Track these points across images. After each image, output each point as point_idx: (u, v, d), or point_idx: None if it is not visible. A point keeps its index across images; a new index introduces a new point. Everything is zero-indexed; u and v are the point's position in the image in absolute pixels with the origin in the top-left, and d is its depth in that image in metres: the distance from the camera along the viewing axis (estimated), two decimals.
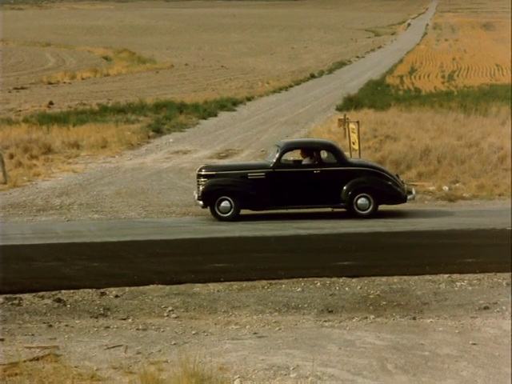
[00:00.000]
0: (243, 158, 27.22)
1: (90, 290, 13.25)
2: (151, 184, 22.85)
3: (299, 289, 13.36)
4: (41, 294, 13.07)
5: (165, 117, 37.57)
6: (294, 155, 20.96)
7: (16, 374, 9.37)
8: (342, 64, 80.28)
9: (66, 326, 11.72)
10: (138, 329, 11.56)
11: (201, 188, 18.51)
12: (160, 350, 10.53)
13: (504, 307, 12.36)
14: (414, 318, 11.94)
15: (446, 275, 13.95)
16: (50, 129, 32.70)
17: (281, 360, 10.01)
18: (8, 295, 12.99)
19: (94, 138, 30.60)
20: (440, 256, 15.16)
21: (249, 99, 47.98)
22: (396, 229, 17.50)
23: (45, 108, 42.39)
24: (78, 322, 11.92)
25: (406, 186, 19.48)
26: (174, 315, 12.20)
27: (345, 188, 18.39)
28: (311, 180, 18.49)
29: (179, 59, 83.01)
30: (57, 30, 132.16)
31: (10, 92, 52.29)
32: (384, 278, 13.84)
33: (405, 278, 13.89)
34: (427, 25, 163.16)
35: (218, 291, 13.28)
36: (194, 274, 14.04)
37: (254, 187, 18.44)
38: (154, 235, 17.11)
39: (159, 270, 14.40)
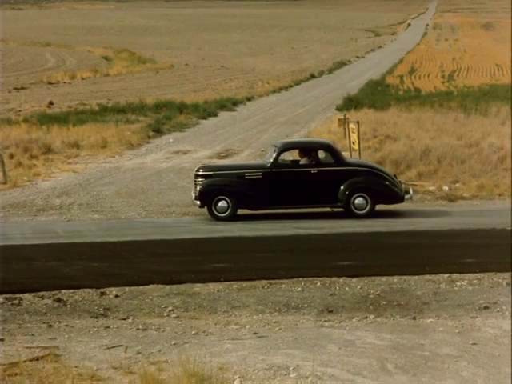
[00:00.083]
0: (243, 157, 27.22)
1: (90, 290, 13.25)
2: (151, 184, 22.85)
3: (299, 289, 13.36)
4: (41, 294, 13.07)
5: (165, 117, 37.58)
6: (294, 155, 20.97)
7: (16, 374, 9.37)
8: (341, 64, 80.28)
9: (66, 325, 11.72)
10: (138, 329, 11.56)
11: (198, 188, 18.54)
12: (160, 350, 10.53)
13: (504, 307, 12.36)
14: (414, 318, 11.94)
15: (446, 275, 13.95)
16: (50, 129, 32.70)
17: (281, 360, 10.01)
18: (8, 295, 12.98)
19: (93, 137, 30.60)
20: (440, 256, 15.16)
21: (249, 99, 47.99)
22: (396, 229, 17.50)
23: (45, 108, 42.39)
24: (77, 321, 11.92)
25: (403, 185, 19.49)
26: (174, 315, 12.20)
27: (342, 188, 18.41)
28: (308, 180, 18.51)
29: (179, 59, 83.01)
30: (57, 30, 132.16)
31: (9, 92, 52.29)
32: (384, 278, 13.84)
33: (405, 277, 13.89)
34: (427, 25, 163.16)
35: (218, 291, 13.28)
36: (194, 274, 14.04)
37: (251, 187, 18.46)
38: (154, 235, 17.11)
39: (159, 269, 14.40)
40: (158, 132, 33.62)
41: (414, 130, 30.52)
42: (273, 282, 13.67)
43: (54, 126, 33.38)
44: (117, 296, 13.04)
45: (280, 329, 11.48)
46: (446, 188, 21.55)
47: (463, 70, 74.46)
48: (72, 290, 13.24)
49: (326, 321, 11.85)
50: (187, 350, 9.91)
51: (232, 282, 13.64)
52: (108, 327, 11.63)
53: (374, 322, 11.78)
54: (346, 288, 13.39)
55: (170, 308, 12.48)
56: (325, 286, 13.50)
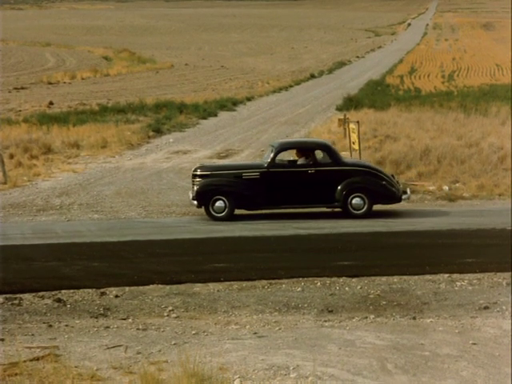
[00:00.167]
0: (243, 157, 27.22)
1: (90, 290, 13.25)
2: (151, 184, 22.85)
3: (299, 289, 13.36)
4: (41, 294, 13.07)
5: (165, 117, 37.59)
6: (293, 156, 20.96)
7: (16, 374, 9.37)
8: (341, 64, 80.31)
9: (66, 325, 11.72)
10: (138, 329, 11.56)
11: (195, 188, 18.57)
12: (160, 350, 10.53)
13: (504, 307, 12.36)
14: (414, 318, 11.94)
15: (446, 275, 13.95)
16: (50, 129, 32.70)
17: (281, 360, 10.01)
18: (8, 295, 12.98)
19: (93, 137, 30.61)
20: (440, 256, 15.16)
21: (249, 99, 48.00)
22: (396, 229, 17.50)
23: (45, 108, 42.40)
24: (78, 321, 11.92)
25: (401, 185, 19.49)
26: (174, 315, 12.20)
27: (339, 188, 18.41)
28: (306, 180, 18.52)
29: (179, 59, 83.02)
30: (57, 30, 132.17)
31: (9, 92, 52.30)
32: (384, 278, 13.84)
33: (405, 277, 13.89)
34: (427, 25, 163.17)
35: (217, 291, 13.28)
36: (194, 274, 14.04)
37: (248, 187, 18.47)
38: (154, 235, 17.11)
39: (159, 269, 14.40)
40: (158, 132, 33.62)
41: (413, 130, 30.52)
42: (273, 281, 13.67)
43: (54, 125, 33.39)
44: (117, 296, 13.04)
45: (280, 329, 11.48)
46: (446, 188, 21.55)
47: (463, 70, 74.47)
48: (72, 290, 13.24)
49: (326, 321, 11.85)
50: (187, 350, 9.91)
51: (232, 282, 13.64)
52: (108, 327, 11.63)
53: (373, 322, 11.78)
54: (346, 288, 13.39)
55: (170, 308, 12.48)
56: (325, 285, 13.50)
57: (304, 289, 13.35)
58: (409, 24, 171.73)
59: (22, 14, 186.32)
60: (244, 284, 13.59)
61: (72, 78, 63.24)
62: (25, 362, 9.71)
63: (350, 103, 41.36)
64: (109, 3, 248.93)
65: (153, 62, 78.26)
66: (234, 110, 43.06)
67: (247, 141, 31.72)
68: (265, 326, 11.63)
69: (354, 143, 23.21)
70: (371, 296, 12.98)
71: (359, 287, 13.42)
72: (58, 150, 28.62)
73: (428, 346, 10.60)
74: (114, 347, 10.63)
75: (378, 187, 18.59)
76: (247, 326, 11.63)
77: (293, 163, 19.06)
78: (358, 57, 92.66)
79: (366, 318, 11.97)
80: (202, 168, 19.21)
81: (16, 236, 17.14)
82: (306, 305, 12.60)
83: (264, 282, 13.67)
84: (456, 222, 17.96)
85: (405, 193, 19.11)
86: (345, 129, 27.34)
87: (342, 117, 29.10)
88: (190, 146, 30.46)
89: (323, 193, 18.43)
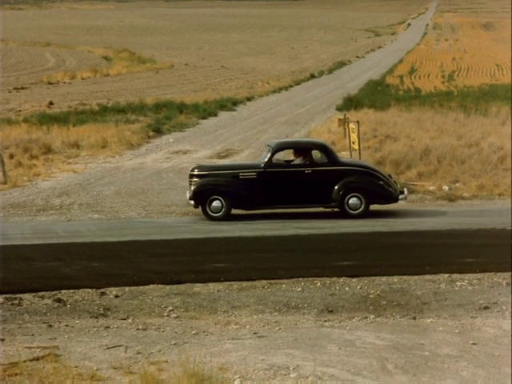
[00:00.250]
0: (243, 157, 27.22)
1: (90, 290, 13.25)
2: (151, 184, 22.85)
3: (299, 289, 13.35)
4: (41, 293, 13.07)
5: (165, 117, 37.58)
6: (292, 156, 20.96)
7: (16, 374, 9.37)
8: (341, 64, 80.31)
9: (66, 326, 11.72)
10: (138, 329, 11.56)
11: (192, 188, 18.58)
12: (160, 350, 10.53)
13: (504, 307, 12.36)
14: (414, 318, 11.93)
15: (446, 275, 13.95)
16: (49, 129, 32.70)
17: (281, 360, 10.01)
18: (8, 295, 12.98)
19: (93, 137, 30.61)
20: (440, 256, 15.16)
21: (249, 99, 48.00)
22: (396, 229, 17.50)
23: (45, 108, 42.39)
24: (77, 321, 11.92)
25: (398, 185, 19.50)
26: (174, 315, 12.20)
27: (336, 188, 18.42)
28: (303, 180, 18.53)
29: (179, 59, 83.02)
30: (57, 30, 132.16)
31: (10, 92, 52.29)
32: (384, 278, 13.83)
33: (405, 277, 13.88)
34: (427, 25, 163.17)
35: (217, 291, 13.28)
36: (194, 274, 14.04)
37: (245, 187, 18.48)
38: (154, 235, 17.11)
39: (159, 269, 14.40)
40: (158, 132, 33.62)
41: (414, 130, 30.52)
42: (273, 281, 13.67)
43: (54, 125, 33.39)
44: (117, 296, 13.04)
45: (280, 329, 11.48)
46: (446, 188, 21.55)
47: (463, 70, 74.47)
48: (72, 290, 13.24)
49: (325, 321, 11.85)
50: (187, 350, 9.91)
51: (232, 282, 13.64)
52: (108, 327, 11.63)
53: (373, 322, 11.78)
54: (346, 288, 13.39)
55: (170, 308, 12.48)
56: (325, 285, 13.50)
57: (304, 289, 13.35)
58: (409, 24, 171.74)
59: (22, 14, 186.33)
60: (244, 284, 13.59)
61: (72, 77, 63.24)
62: (25, 362, 9.71)
63: (350, 103, 41.37)
64: (109, 3, 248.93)
65: (153, 62, 78.26)
66: (234, 110, 43.06)
67: (247, 141, 31.72)
68: (265, 326, 11.63)
69: (353, 143, 23.20)
70: (371, 296, 12.98)
71: (359, 287, 13.42)
72: (58, 150, 28.62)
73: (428, 346, 10.60)
74: (113, 347, 10.63)
75: (374, 187, 18.60)
76: (247, 326, 11.63)
77: (290, 163, 19.08)
78: (357, 57, 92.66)
79: (366, 317, 11.97)
80: (199, 168, 19.23)
81: (16, 236, 17.13)
82: (305, 305, 12.60)
83: (264, 281, 13.67)
84: (456, 222, 17.96)
85: (402, 193, 19.11)
86: (345, 129, 27.33)
87: (342, 117, 29.09)
88: (190, 145, 30.46)
89: (320, 193, 18.44)
